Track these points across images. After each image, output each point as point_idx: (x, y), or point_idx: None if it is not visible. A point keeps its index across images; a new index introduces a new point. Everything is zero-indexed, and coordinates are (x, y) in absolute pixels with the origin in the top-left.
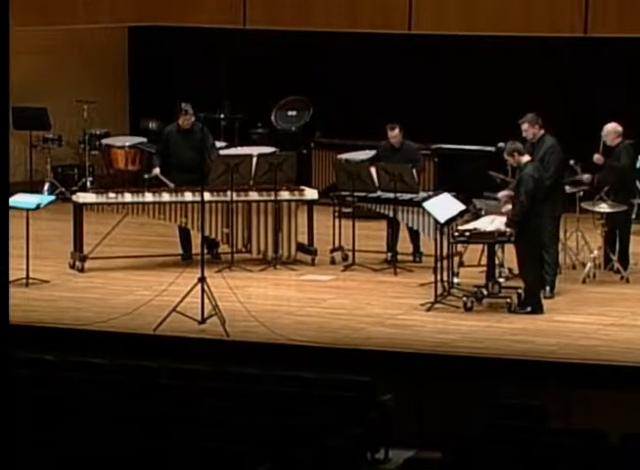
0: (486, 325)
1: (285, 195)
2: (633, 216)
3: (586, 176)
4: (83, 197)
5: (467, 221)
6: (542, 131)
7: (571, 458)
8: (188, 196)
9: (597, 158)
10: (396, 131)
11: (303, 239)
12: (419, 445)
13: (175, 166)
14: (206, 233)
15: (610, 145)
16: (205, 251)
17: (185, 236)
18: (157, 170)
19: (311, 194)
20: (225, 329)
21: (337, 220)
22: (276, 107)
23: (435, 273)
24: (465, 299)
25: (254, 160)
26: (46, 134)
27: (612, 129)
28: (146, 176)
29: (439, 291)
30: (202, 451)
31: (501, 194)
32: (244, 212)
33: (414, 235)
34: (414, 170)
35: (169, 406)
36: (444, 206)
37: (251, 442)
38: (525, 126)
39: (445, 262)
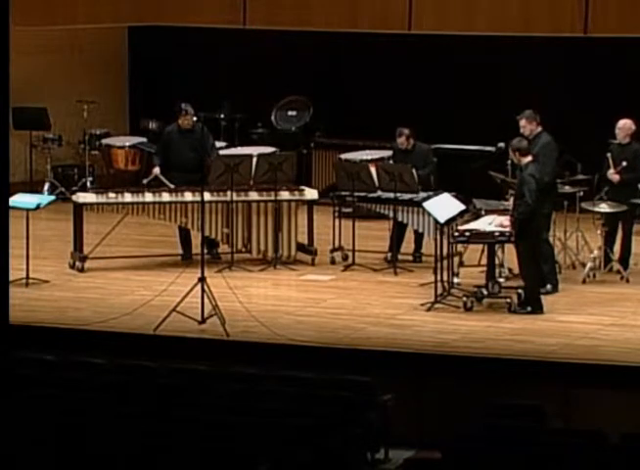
0: (486, 325)
1: (285, 195)
2: None
3: (610, 172)
4: (83, 197)
5: (467, 221)
6: (539, 128)
7: (571, 458)
8: (188, 196)
9: (611, 173)
10: (402, 139)
11: (303, 239)
12: (419, 445)
13: (175, 166)
14: (206, 233)
15: (620, 141)
16: (205, 251)
17: (185, 236)
18: (157, 170)
19: (311, 194)
20: (225, 329)
21: (337, 220)
22: (276, 107)
23: (435, 273)
24: (465, 299)
25: (254, 160)
26: (46, 134)
27: (627, 126)
28: (144, 181)
29: (439, 291)
30: (202, 451)
31: (498, 221)
32: (244, 212)
33: (419, 236)
34: (424, 172)
35: (169, 406)
36: (444, 206)
37: (251, 442)
38: (522, 122)
39: (445, 262)
